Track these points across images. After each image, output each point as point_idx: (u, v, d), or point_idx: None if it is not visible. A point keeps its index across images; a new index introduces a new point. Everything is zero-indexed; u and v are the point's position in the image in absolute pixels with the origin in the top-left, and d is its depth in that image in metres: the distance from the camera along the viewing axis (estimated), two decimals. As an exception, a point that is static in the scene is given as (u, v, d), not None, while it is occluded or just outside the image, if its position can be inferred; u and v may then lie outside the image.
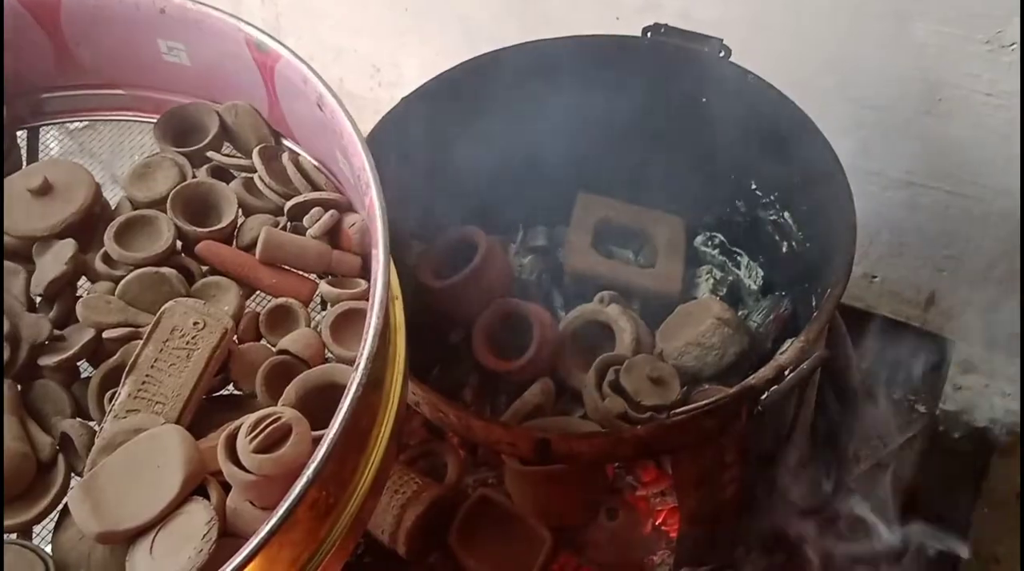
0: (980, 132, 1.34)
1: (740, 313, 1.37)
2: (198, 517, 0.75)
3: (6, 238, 0.92)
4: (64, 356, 0.87)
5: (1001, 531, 1.39)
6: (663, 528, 1.34)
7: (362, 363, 0.73)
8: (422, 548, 1.26)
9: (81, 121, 1.05)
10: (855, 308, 1.60)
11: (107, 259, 0.93)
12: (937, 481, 1.43)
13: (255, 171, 0.98)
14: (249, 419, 0.76)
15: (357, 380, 0.72)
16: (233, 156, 1.02)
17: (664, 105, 1.34)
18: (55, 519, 0.83)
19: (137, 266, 0.91)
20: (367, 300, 0.87)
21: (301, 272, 0.95)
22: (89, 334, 0.88)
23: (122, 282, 0.90)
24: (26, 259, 0.93)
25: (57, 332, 0.89)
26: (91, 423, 0.87)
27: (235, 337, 0.88)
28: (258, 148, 0.99)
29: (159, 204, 0.96)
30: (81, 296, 0.91)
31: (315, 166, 1.00)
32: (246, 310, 0.93)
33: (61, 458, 0.84)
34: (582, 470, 1.26)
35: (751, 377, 1.06)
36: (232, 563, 0.66)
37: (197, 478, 0.77)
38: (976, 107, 1.32)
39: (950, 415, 1.51)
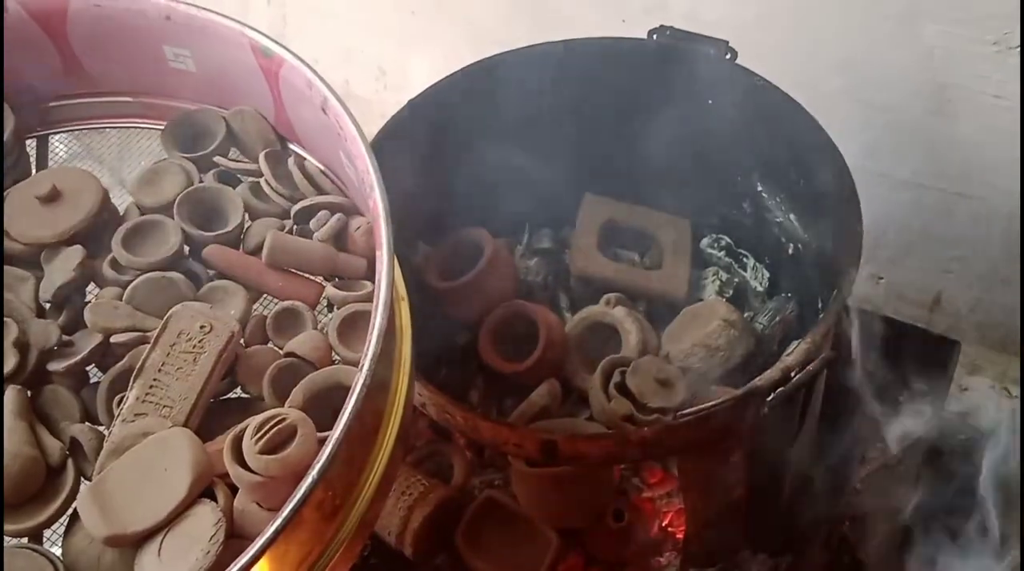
0: (988, 133, 1.34)
1: (746, 315, 1.37)
2: (206, 519, 0.76)
3: (15, 245, 0.93)
4: (73, 361, 0.87)
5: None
6: (669, 529, 1.34)
7: (366, 364, 0.73)
8: (429, 549, 1.26)
9: (89, 128, 1.06)
10: (861, 309, 1.59)
11: (115, 264, 0.93)
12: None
13: (261, 175, 0.99)
14: (255, 420, 0.77)
15: (362, 381, 0.73)
16: (239, 161, 1.03)
17: (670, 107, 1.34)
18: (65, 523, 0.83)
19: (144, 271, 0.92)
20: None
21: (307, 275, 0.96)
22: (97, 339, 0.88)
23: (130, 287, 0.91)
24: (35, 265, 0.94)
25: (66, 337, 0.90)
26: (100, 427, 0.87)
27: (242, 340, 0.89)
28: (264, 153, 1.00)
29: (166, 209, 0.97)
30: (89, 301, 0.92)
31: (321, 170, 1.00)
32: (253, 313, 0.93)
33: (70, 462, 0.85)
34: (589, 471, 1.26)
35: (757, 379, 1.06)
36: (239, 563, 0.67)
37: (205, 480, 0.78)
38: (984, 108, 1.32)
39: (956, 416, 1.50)
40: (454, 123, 1.31)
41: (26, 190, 0.94)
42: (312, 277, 0.96)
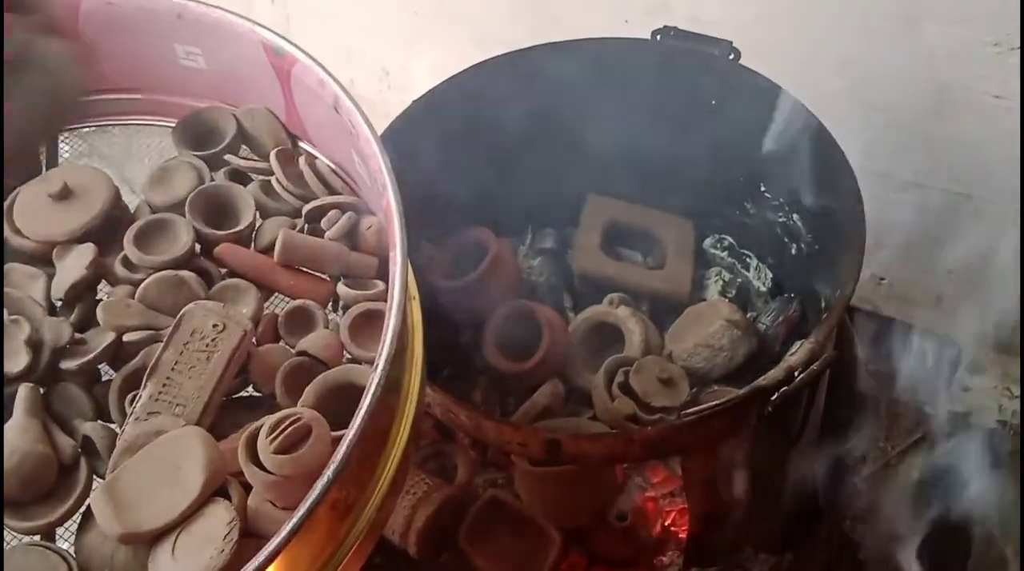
0: (989, 134, 1.35)
1: (749, 315, 1.38)
2: (219, 518, 0.76)
3: (27, 243, 0.93)
4: (85, 359, 0.87)
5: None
6: (672, 529, 1.35)
7: (381, 363, 0.73)
8: (432, 548, 1.26)
9: (100, 126, 1.06)
10: (863, 310, 1.60)
11: (127, 263, 0.93)
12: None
13: (272, 174, 0.99)
14: (269, 420, 0.77)
15: (376, 380, 0.72)
16: (250, 159, 1.02)
17: (673, 107, 1.35)
18: (78, 521, 0.83)
19: (156, 269, 0.92)
20: (385, 301, 0.88)
21: (319, 274, 0.96)
22: (110, 337, 0.88)
23: (142, 285, 0.91)
24: (47, 263, 0.93)
25: (78, 336, 0.89)
26: (112, 426, 0.87)
27: (254, 339, 0.89)
28: (275, 151, 1.00)
29: (177, 208, 0.97)
30: (101, 300, 0.92)
31: (332, 169, 1.00)
32: (264, 312, 0.93)
33: (83, 460, 0.85)
34: (592, 471, 1.26)
35: (761, 378, 1.07)
36: (254, 562, 0.67)
37: (218, 479, 0.78)
38: (985, 109, 1.33)
39: (958, 416, 1.51)
40: (457, 123, 1.32)
41: (38, 187, 0.94)
42: (323, 276, 0.96)
